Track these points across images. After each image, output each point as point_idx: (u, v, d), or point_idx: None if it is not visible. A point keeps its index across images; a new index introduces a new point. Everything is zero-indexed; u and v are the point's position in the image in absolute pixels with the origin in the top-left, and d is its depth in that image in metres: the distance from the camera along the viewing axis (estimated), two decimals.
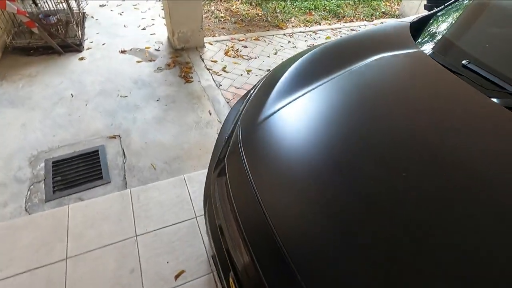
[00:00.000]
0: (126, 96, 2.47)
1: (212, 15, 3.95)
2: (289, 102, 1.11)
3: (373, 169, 0.82)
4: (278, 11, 4.13)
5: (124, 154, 2.00)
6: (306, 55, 1.32)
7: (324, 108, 1.06)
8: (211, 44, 3.30)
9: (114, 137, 2.11)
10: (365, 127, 0.96)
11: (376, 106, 1.04)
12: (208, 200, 1.15)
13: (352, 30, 3.97)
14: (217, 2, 4.29)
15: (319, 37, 3.71)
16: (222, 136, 1.33)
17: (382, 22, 4.24)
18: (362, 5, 4.63)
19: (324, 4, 4.46)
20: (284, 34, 3.68)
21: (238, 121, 1.17)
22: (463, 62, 1.15)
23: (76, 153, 1.97)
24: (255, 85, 1.52)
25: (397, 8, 4.69)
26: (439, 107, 1.01)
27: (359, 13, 4.42)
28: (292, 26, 3.92)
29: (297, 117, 1.06)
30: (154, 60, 2.94)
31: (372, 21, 4.29)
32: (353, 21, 4.22)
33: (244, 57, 3.16)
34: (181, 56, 3.04)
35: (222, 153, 1.17)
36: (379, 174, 0.80)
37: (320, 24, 4.05)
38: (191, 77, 2.76)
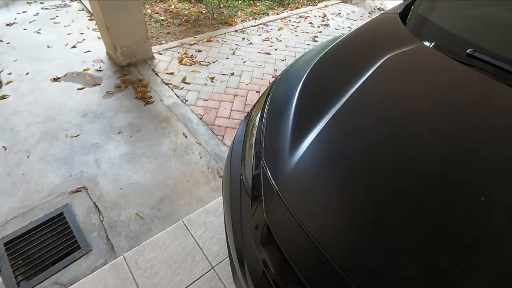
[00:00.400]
0: (77, 135, 2.05)
1: (151, 19, 3.51)
2: (317, 131, 0.96)
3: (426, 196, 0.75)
4: (222, 6, 3.86)
5: (98, 210, 1.65)
6: (309, 70, 1.16)
7: (353, 131, 0.94)
8: (161, 54, 2.93)
9: (78, 190, 1.72)
10: (405, 149, 0.87)
11: (408, 121, 0.94)
12: (246, 260, 0.96)
13: (300, 17, 3.90)
14: (151, 3, 3.84)
15: (271, 29, 3.57)
16: (234, 176, 1.13)
17: (325, 6, 4.26)
18: None
19: None
20: (236, 31, 3.45)
21: (262, 160, 0.98)
22: (468, 51, 1.12)
23: (34, 223, 1.56)
24: (255, 104, 1.32)
25: None
26: (467, 102, 0.98)
27: None
28: (241, 20, 3.70)
29: (330, 146, 0.92)
30: (99, 84, 2.50)
31: (316, 5, 4.27)
32: (298, 7, 4.15)
33: (202, 63, 2.88)
34: (131, 74, 2.64)
35: (247, 198, 0.99)
36: (431, 201, 0.74)
37: (268, 14, 3.89)
38: (150, 97, 2.41)
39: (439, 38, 1.23)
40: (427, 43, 1.20)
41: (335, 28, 3.70)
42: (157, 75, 2.66)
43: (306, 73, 1.15)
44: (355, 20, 3.97)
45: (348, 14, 4.13)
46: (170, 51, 2.99)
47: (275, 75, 2.78)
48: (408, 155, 0.84)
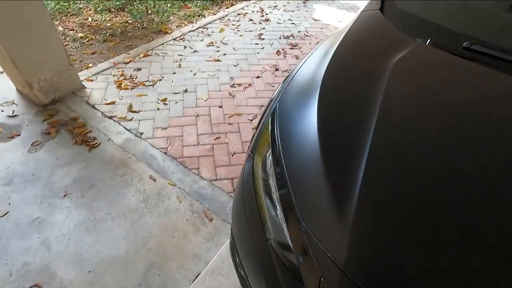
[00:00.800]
0: (5, 214, 1.54)
1: (66, 38, 2.90)
2: (367, 172, 0.78)
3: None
4: (150, 12, 3.39)
5: None
6: (320, 92, 0.97)
7: (411, 165, 0.78)
8: (92, 81, 2.43)
9: None
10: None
11: (462, 133, 0.83)
12: None
13: (239, 14, 3.67)
14: (61, 19, 3.18)
15: (212, 32, 3.26)
16: (254, 244, 0.90)
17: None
18: None
19: None
20: (174, 39, 3.06)
21: (301, 225, 0.76)
22: (465, 45, 1.06)
23: None
24: (255, 143, 1.08)
25: None
26: (492, 99, 0.92)
27: None
28: (177, 26, 3.30)
29: (395, 191, 0.75)
30: (19, 134, 1.94)
31: (250, 0, 4.08)
32: (234, 4, 3.90)
33: (146, 83, 2.46)
34: (59, 113, 2.11)
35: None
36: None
37: (204, 16, 3.56)
38: (94, 138, 1.96)
39: (432, 33, 1.15)
40: (420, 40, 1.12)
41: (277, 23, 3.57)
42: (95, 108, 2.18)
43: (318, 96, 0.95)
44: (292, 11, 3.89)
45: (284, 5, 4.03)
46: (103, 75, 2.50)
47: (233, 84, 2.54)
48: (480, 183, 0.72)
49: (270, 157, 0.96)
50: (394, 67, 1.02)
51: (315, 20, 3.72)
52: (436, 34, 1.14)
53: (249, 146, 1.21)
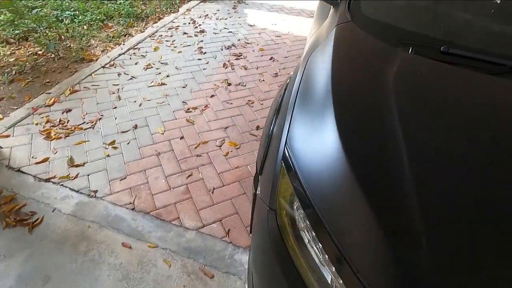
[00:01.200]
0: None
1: None
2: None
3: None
4: (64, 38, 2.87)
5: None
6: (338, 126, 0.86)
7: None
8: (7, 136, 1.92)
9: None
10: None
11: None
12: None
13: (170, 29, 3.37)
14: None
15: (146, 52, 2.92)
16: None
17: (188, 10, 3.83)
18: None
19: (116, 9, 3.49)
20: (103, 67, 2.64)
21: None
22: (442, 49, 1.08)
23: None
24: (272, 192, 0.92)
25: None
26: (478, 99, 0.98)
27: (158, 6, 3.78)
28: (103, 51, 2.86)
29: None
30: None
31: (178, 11, 3.79)
32: (161, 18, 3.57)
33: (82, 126, 2.05)
34: None
35: None
36: None
37: (131, 35, 3.16)
38: (32, 214, 1.53)
39: (411, 41, 1.15)
40: (402, 49, 1.11)
41: (214, 33, 3.38)
42: (22, 172, 1.72)
43: (338, 132, 0.84)
44: (225, 19, 3.75)
45: (215, 14, 3.86)
46: (21, 127, 1.99)
47: (188, 109, 2.29)
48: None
49: (299, 210, 0.83)
50: (396, 83, 0.99)
51: (251, 25, 3.64)
52: (415, 42, 1.14)
53: (255, 193, 1.06)
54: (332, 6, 1.49)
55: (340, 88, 0.96)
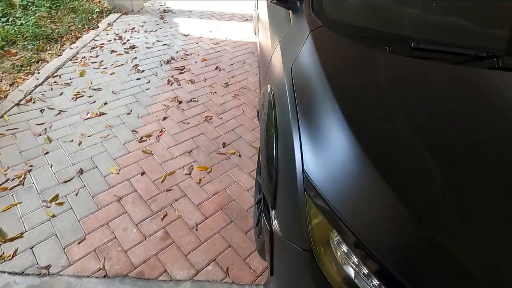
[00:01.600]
0: None
1: None
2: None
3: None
4: None
5: None
6: (360, 145, 0.79)
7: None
8: None
9: None
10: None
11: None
12: None
13: (93, 48, 2.92)
14: None
15: (70, 78, 2.47)
16: None
17: (109, 25, 3.41)
18: (63, 12, 3.39)
19: (18, 31, 2.88)
20: (18, 105, 2.14)
21: None
22: (412, 45, 1.12)
23: None
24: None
25: (105, 5, 3.83)
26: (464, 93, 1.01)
27: (72, 23, 3.26)
28: (11, 84, 2.31)
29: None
30: None
31: (98, 27, 3.33)
32: (79, 37, 3.09)
33: (7, 185, 1.61)
34: None
35: None
36: None
37: (46, 60, 2.64)
38: None
39: (383, 41, 1.15)
40: (378, 50, 1.10)
41: (147, 48, 3.06)
42: None
43: (360, 149, 0.77)
44: (155, 30, 3.43)
45: (142, 26, 3.51)
46: None
47: (141, 138, 2.00)
48: None
49: (341, 245, 0.73)
50: (395, 84, 0.99)
51: (185, 35, 3.41)
52: (387, 41, 1.14)
53: (271, 230, 0.93)
54: (290, 11, 1.43)
55: (346, 101, 0.89)
